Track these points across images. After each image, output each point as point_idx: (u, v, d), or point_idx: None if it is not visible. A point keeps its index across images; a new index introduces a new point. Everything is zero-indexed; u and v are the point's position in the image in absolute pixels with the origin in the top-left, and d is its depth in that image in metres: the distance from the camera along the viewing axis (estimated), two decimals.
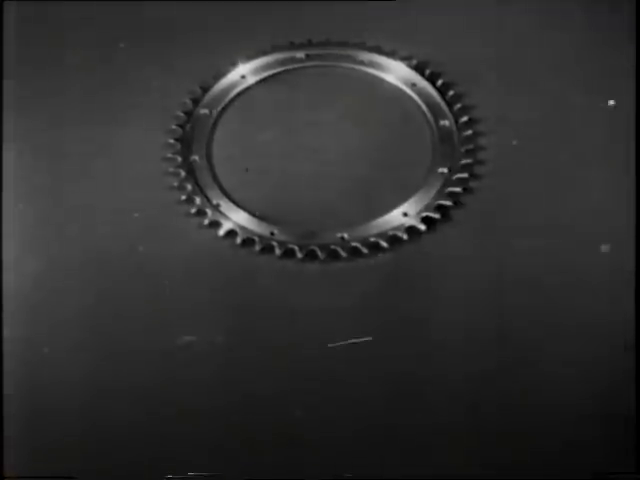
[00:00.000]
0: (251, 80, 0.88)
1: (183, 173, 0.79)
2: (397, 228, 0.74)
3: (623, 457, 0.60)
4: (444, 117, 0.83)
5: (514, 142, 0.81)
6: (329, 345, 0.67)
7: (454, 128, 0.82)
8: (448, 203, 0.76)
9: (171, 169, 0.80)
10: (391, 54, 0.88)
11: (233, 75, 0.88)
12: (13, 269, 0.73)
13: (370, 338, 0.68)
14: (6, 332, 0.70)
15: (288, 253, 0.72)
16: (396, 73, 0.87)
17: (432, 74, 0.86)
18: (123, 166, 0.81)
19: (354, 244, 0.73)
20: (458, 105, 0.83)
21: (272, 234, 0.75)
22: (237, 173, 0.80)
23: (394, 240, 0.73)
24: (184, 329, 0.69)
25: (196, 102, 0.85)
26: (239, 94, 0.87)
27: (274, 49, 0.90)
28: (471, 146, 0.80)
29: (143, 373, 0.68)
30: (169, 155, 0.81)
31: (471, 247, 0.74)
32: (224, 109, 0.86)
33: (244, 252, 0.73)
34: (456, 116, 0.83)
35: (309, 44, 0.90)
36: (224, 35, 0.91)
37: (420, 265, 0.73)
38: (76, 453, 0.64)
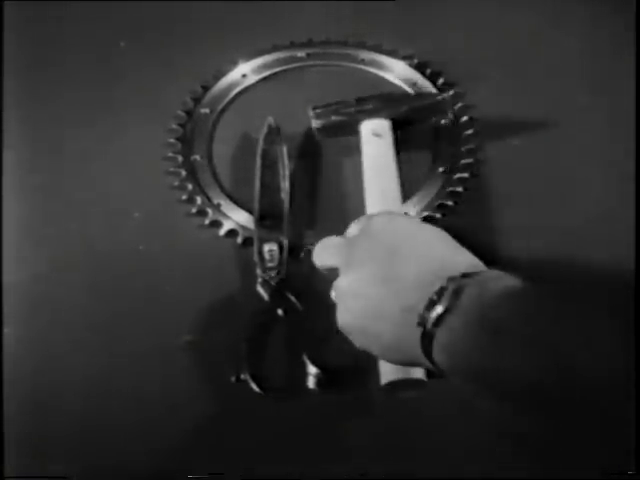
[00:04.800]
0: (252, 79, 0.88)
1: (184, 172, 0.79)
2: None
3: (623, 457, 0.59)
4: (445, 116, 0.83)
5: (515, 142, 0.81)
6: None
7: (455, 127, 0.82)
8: (449, 203, 0.76)
9: (172, 168, 0.80)
10: (392, 53, 0.88)
11: (234, 74, 0.88)
12: (13, 269, 0.73)
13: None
14: (6, 331, 0.70)
15: (289, 253, 0.72)
16: (397, 72, 0.87)
17: (433, 73, 0.86)
18: (123, 165, 0.81)
19: None
20: (459, 104, 0.83)
21: None
22: (238, 173, 0.80)
23: None
24: (184, 329, 0.69)
25: (197, 101, 0.86)
26: (240, 93, 0.87)
27: (275, 48, 0.90)
28: (472, 145, 0.80)
29: (143, 373, 0.68)
30: (170, 154, 0.81)
31: (471, 247, 0.74)
32: (225, 108, 0.86)
33: (245, 252, 0.73)
34: (457, 115, 0.83)
35: (310, 43, 0.90)
36: (225, 34, 0.91)
37: None
38: (76, 453, 0.64)
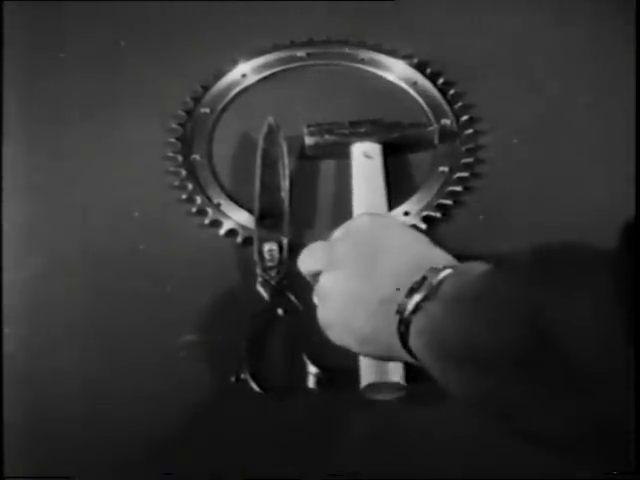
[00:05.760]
0: (252, 79, 0.88)
1: (184, 172, 0.79)
2: None
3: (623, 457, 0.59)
4: (445, 116, 0.83)
5: (515, 141, 0.81)
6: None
7: (455, 127, 0.82)
8: (448, 202, 0.76)
9: (172, 168, 0.80)
10: (392, 53, 0.88)
11: (234, 74, 0.88)
12: (13, 269, 0.73)
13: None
14: (6, 331, 0.70)
15: (289, 252, 0.72)
16: (397, 72, 0.87)
17: (433, 73, 0.86)
18: (123, 165, 0.81)
19: None
20: (459, 104, 0.84)
21: None
22: (238, 172, 0.80)
23: None
24: (184, 328, 0.69)
25: (197, 101, 0.85)
26: (240, 93, 0.87)
27: (275, 47, 0.90)
28: (472, 145, 0.81)
29: (143, 372, 0.68)
30: (170, 154, 0.81)
31: (471, 246, 0.74)
32: (225, 108, 0.86)
33: (245, 251, 0.73)
34: (457, 115, 0.83)
35: (310, 43, 0.90)
36: (225, 33, 0.91)
37: None
38: (76, 453, 0.64)
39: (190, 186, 0.78)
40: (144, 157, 0.82)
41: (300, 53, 0.89)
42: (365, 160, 0.77)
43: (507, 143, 0.81)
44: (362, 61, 0.88)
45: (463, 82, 0.85)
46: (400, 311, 0.50)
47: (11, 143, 0.82)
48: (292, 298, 0.69)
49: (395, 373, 0.62)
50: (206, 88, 0.87)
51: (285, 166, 0.76)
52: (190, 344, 0.69)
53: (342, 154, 0.79)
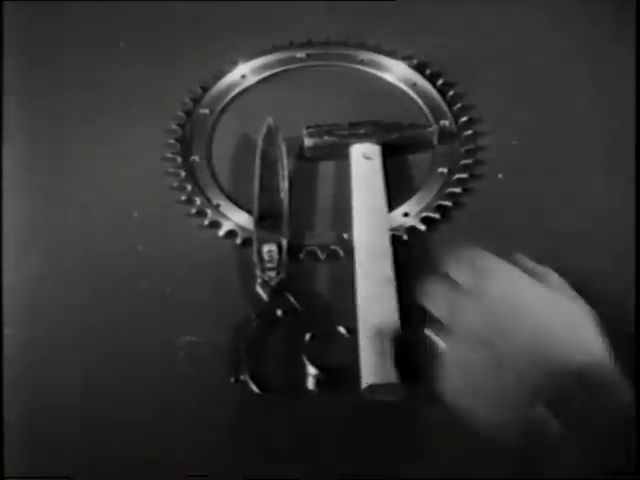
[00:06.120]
0: (251, 80, 0.88)
1: (183, 173, 0.79)
2: (397, 228, 0.74)
3: (623, 457, 0.59)
4: (444, 117, 0.83)
5: (514, 142, 0.81)
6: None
7: (454, 128, 0.82)
8: (448, 203, 0.76)
9: (171, 169, 0.80)
10: (391, 54, 0.88)
11: (233, 75, 0.88)
12: (13, 269, 0.73)
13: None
14: (6, 332, 0.70)
15: (288, 253, 0.72)
16: (397, 73, 0.87)
17: (432, 74, 0.86)
18: (123, 166, 0.81)
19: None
20: (458, 105, 0.84)
21: None
22: (237, 173, 0.80)
23: (394, 240, 0.73)
24: (183, 329, 0.69)
25: (196, 102, 0.85)
26: (239, 94, 0.87)
27: (274, 48, 0.90)
28: (471, 146, 0.81)
29: (143, 373, 0.68)
30: (169, 155, 0.81)
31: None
32: (224, 109, 0.86)
33: (244, 252, 0.73)
34: (456, 116, 0.83)
35: (309, 44, 0.90)
36: (224, 34, 0.91)
37: (420, 265, 0.73)
38: (76, 453, 0.64)
39: (189, 187, 0.78)
40: (143, 158, 0.82)
41: (299, 54, 0.89)
42: (364, 161, 0.77)
43: (506, 144, 0.81)
44: (361, 62, 0.89)
45: (462, 83, 0.85)
46: (525, 419, 0.51)
47: (11, 143, 0.82)
48: (291, 299, 0.69)
49: (395, 374, 0.62)
50: (205, 89, 0.87)
51: (284, 167, 0.76)
52: (189, 345, 0.69)
53: (341, 155, 0.79)
